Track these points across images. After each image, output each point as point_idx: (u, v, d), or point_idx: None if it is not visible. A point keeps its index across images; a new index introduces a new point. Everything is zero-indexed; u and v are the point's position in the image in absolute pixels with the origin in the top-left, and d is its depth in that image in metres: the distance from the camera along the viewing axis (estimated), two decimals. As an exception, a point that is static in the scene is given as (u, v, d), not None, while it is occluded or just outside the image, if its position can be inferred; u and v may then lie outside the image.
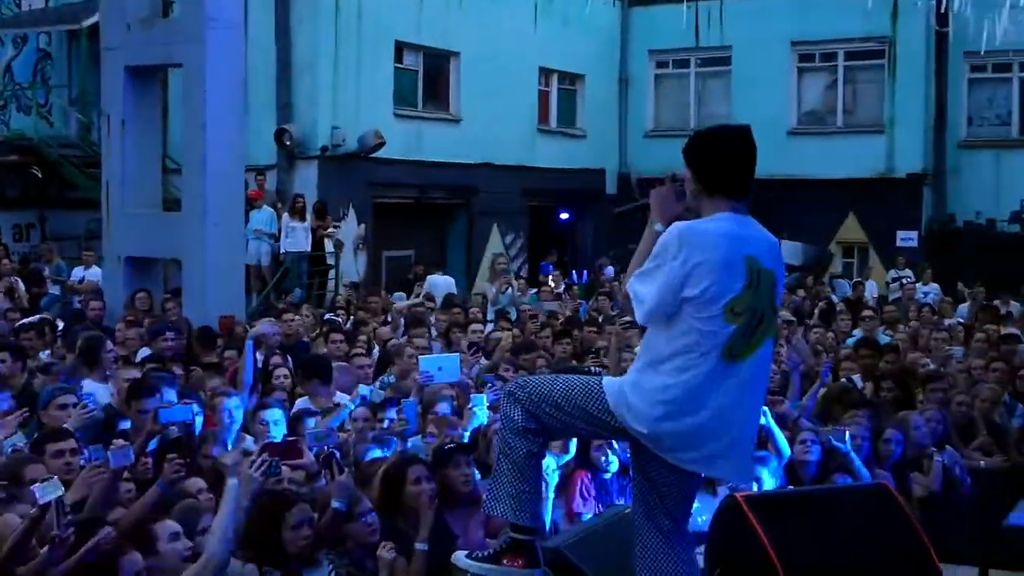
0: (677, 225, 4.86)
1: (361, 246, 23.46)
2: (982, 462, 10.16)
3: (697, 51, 29.34)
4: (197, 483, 7.00)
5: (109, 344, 11.23)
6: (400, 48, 24.41)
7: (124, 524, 6.15)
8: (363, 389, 10.02)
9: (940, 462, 9.09)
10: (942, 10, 21.12)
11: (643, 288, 4.83)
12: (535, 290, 20.84)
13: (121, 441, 6.70)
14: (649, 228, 5.01)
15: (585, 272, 26.38)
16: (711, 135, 5.05)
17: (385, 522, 6.64)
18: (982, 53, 22.37)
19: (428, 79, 25.40)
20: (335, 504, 6.36)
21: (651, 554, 5.03)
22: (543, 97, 28.35)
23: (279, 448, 6.74)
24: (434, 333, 14.89)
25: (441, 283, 20.52)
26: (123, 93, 15.65)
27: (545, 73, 28.18)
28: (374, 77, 23.41)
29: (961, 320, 16.05)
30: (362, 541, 6.48)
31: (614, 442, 7.84)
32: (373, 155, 22.87)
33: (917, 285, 22.37)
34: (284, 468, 6.68)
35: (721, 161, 4.94)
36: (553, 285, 22.16)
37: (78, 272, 19.31)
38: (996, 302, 18.68)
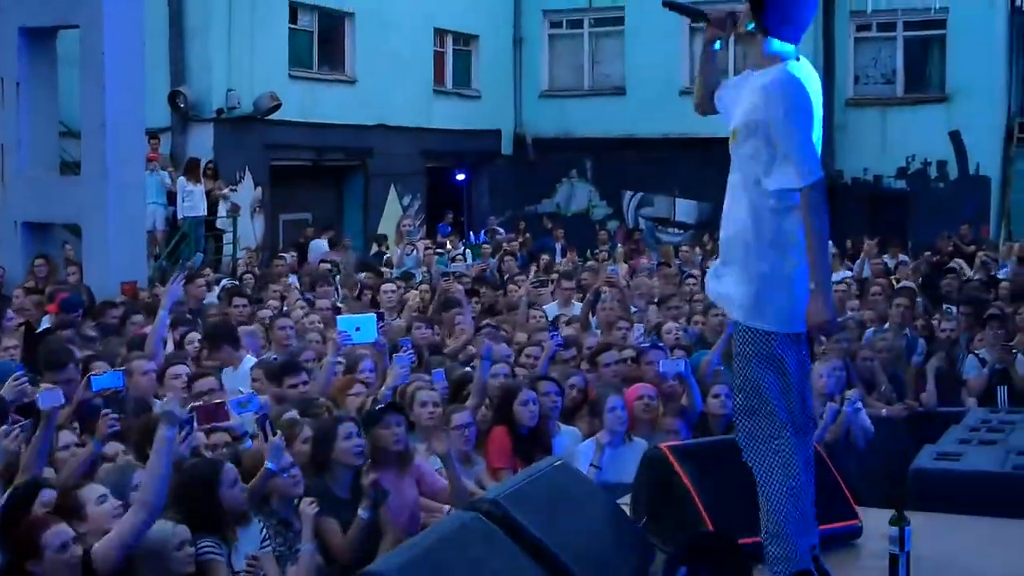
0: (799, 72, 4.96)
1: (258, 209, 23.34)
2: (884, 410, 10.51)
3: (590, 11, 29.46)
4: (115, 446, 7.02)
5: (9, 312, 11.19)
6: (294, 9, 24.19)
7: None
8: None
9: (845, 410, 9.37)
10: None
11: (808, 145, 4.88)
12: (441, 251, 20.94)
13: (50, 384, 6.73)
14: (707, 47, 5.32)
15: (482, 232, 26.51)
16: None
17: (314, 481, 6.72)
18: (868, 12, 22.75)
19: (323, 40, 25.15)
20: (268, 465, 6.41)
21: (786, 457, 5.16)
22: (438, 58, 28.24)
23: (205, 410, 6.80)
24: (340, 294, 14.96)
25: (317, 248, 20.69)
26: (18, 55, 15.45)
27: (440, 34, 28.07)
28: (268, 38, 23.15)
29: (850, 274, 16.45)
30: (287, 494, 6.53)
31: None
32: (269, 117, 22.71)
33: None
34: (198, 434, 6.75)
35: (790, 5, 5.05)
36: (449, 247, 22.29)
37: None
38: (885, 256, 19.13)
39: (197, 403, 7.10)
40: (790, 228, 4.97)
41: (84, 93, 15.43)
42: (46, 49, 16.02)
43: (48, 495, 5.78)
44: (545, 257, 20.06)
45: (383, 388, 8.19)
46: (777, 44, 5.06)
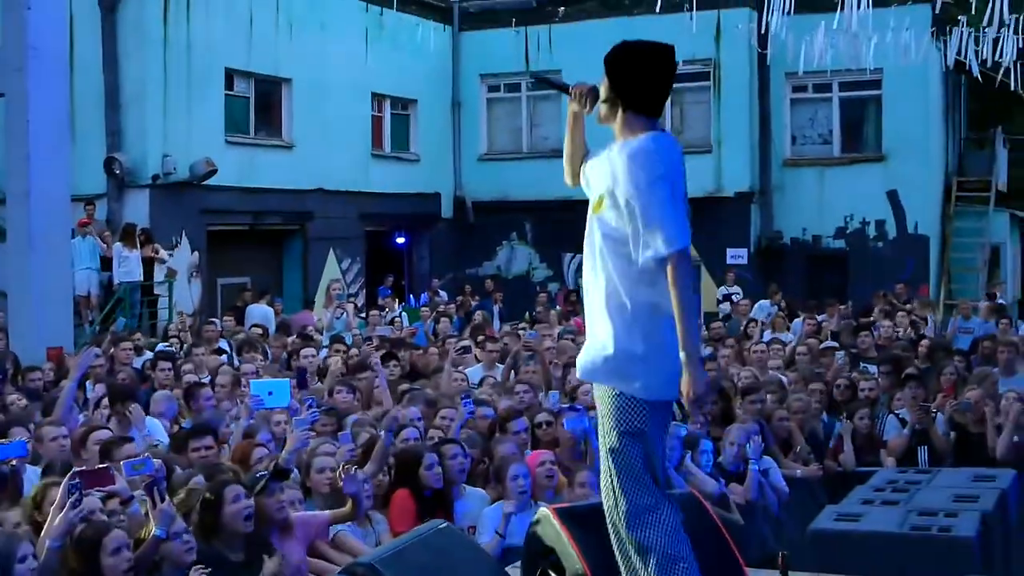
0: (662, 142, 4.95)
1: (195, 274, 23.25)
2: (799, 471, 10.51)
3: (528, 75, 29.63)
4: (14, 516, 6.95)
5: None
6: (230, 75, 24.22)
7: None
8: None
9: (755, 470, 9.39)
10: (761, 31, 21.67)
11: (673, 212, 4.85)
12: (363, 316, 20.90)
13: None
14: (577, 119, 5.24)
15: (424, 295, 26.49)
16: (638, 52, 5.05)
17: (205, 547, 6.65)
18: (800, 74, 23.01)
19: (260, 106, 25.18)
20: (156, 531, 6.34)
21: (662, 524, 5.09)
22: (376, 122, 28.30)
23: (89, 475, 6.72)
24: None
25: (257, 313, 20.60)
26: (-58, 123, 15.42)
27: (378, 98, 28.16)
28: (205, 105, 23.17)
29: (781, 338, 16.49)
30: (178, 560, 6.44)
31: None
32: (205, 182, 22.68)
33: (763, 303, 22.63)
34: (93, 499, 6.66)
35: (648, 80, 5.01)
36: (387, 310, 22.26)
37: None
38: (822, 317, 19.22)
39: (81, 468, 7.02)
40: (658, 297, 4.94)
41: (9, 161, 15.39)
42: (-29, 116, 16.00)
43: None
44: (476, 318, 20.05)
45: (283, 452, 8.14)
46: (638, 118, 5.05)
